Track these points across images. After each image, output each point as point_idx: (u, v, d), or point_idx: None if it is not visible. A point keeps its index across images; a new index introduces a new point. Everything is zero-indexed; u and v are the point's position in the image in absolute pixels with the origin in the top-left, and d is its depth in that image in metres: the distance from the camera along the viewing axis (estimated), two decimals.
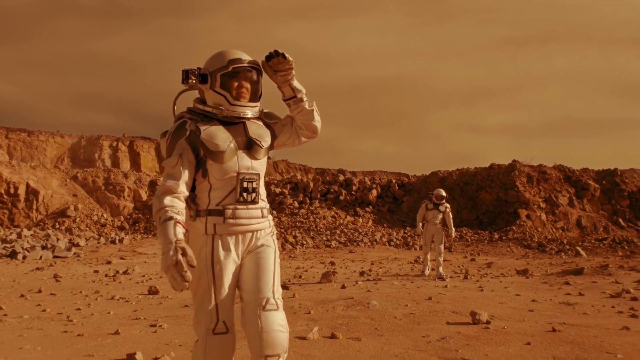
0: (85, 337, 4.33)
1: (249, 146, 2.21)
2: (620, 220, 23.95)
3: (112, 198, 25.81)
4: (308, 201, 26.04)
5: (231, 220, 2.16)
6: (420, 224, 9.82)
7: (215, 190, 2.18)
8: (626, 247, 20.43)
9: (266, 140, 2.28)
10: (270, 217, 2.33)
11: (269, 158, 2.36)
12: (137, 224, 24.33)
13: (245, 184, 2.18)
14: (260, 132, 2.28)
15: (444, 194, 9.79)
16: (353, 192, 26.26)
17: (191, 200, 2.19)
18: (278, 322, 2.07)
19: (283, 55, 2.16)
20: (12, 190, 25.46)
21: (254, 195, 2.20)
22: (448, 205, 9.79)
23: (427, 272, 9.66)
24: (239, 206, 2.18)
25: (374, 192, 25.91)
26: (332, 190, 26.46)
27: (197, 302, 2.17)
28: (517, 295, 6.31)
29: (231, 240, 2.17)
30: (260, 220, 2.23)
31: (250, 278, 2.16)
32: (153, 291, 7.38)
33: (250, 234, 2.21)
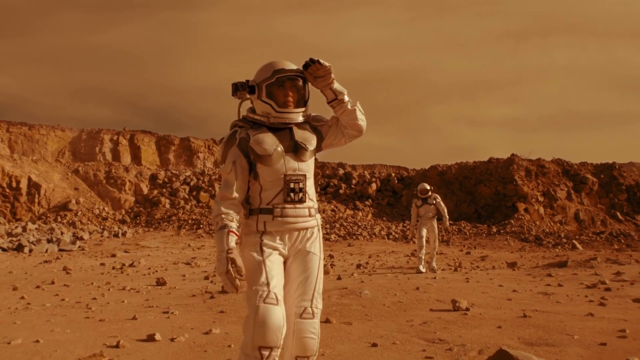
0: (107, 322, 4.93)
1: (295, 149, 2.40)
2: (618, 213, 24.52)
3: (113, 192, 26.39)
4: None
5: (279, 219, 2.35)
6: (414, 225, 9.72)
7: (266, 191, 2.39)
8: (622, 241, 21.00)
9: (312, 143, 2.45)
10: (318, 215, 2.50)
11: (315, 159, 2.54)
12: (138, 218, 24.93)
13: (292, 185, 2.37)
14: (305, 136, 2.45)
15: (427, 187, 9.85)
16: (353, 186, 26.84)
17: (245, 200, 2.42)
18: (310, 330, 2.30)
19: (319, 62, 2.32)
20: (14, 184, 26.03)
21: (300, 195, 2.38)
22: (437, 195, 9.83)
23: (422, 269, 9.36)
24: (286, 205, 2.37)
25: (374, 185, 26.49)
26: (331, 184, 27.04)
27: (248, 283, 2.30)
28: (500, 286, 6.91)
29: (279, 236, 2.37)
30: (307, 219, 2.42)
31: (293, 283, 2.37)
32: (161, 282, 7.98)
33: (297, 233, 2.40)
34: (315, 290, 2.37)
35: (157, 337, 4.10)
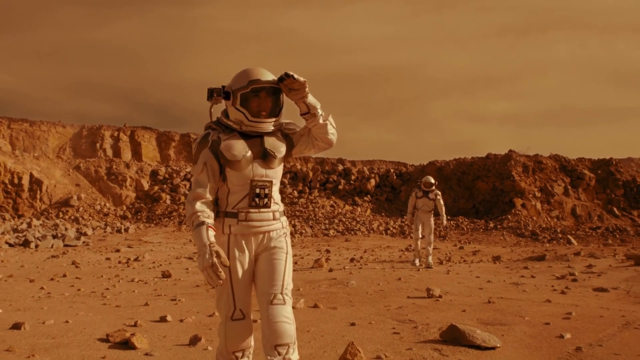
0: (122, 308, 5.75)
1: (264, 156, 2.52)
2: (615, 209, 25.27)
3: (115, 188, 27.22)
4: (307, 190, 27.45)
5: (244, 223, 2.51)
6: (411, 214, 10.02)
7: (233, 195, 2.53)
8: (617, 236, 21.75)
9: (281, 151, 2.58)
10: (283, 218, 2.65)
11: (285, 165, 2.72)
12: (139, 213, 25.81)
13: (257, 190, 2.50)
14: (275, 144, 2.57)
15: (432, 181, 9.90)
16: (352, 182, 27.65)
17: (214, 202, 2.56)
18: (283, 314, 2.44)
19: (293, 76, 2.42)
20: (15, 180, 26.91)
21: (265, 200, 2.53)
22: (439, 192, 9.95)
23: (417, 262, 9.65)
24: (251, 210, 2.51)
25: (373, 181, 27.27)
26: (331, 179, 27.85)
27: (217, 293, 2.54)
28: (477, 277, 7.72)
29: (245, 240, 2.53)
30: (271, 223, 2.56)
31: (262, 277, 2.52)
32: (167, 275, 8.79)
33: (262, 235, 2.56)
34: (285, 279, 2.52)
35: (169, 318, 4.92)
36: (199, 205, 2.45)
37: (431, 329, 4.46)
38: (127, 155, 35.54)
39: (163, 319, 4.92)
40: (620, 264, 8.73)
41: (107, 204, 26.40)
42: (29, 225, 19.21)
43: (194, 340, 4.02)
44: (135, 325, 4.66)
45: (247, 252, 2.53)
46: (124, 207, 26.46)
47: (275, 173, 2.58)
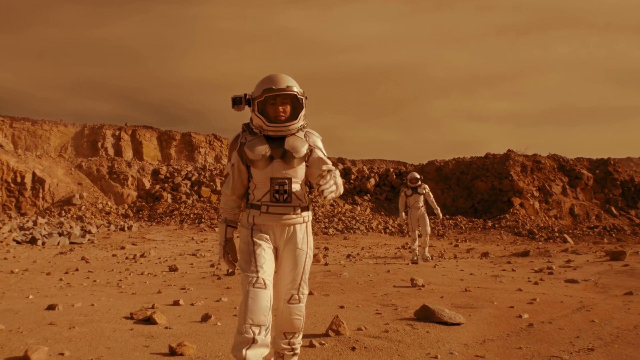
0: (138, 295, 6.58)
1: (284, 156, 2.80)
2: (613, 208, 26.05)
3: (116, 186, 28.06)
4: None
5: (265, 214, 2.83)
6: (404, 213, 10.31)
7: (258, 190, 2.87)
8: (614, 235, 22.52)
9: (300, 152, 2.82)
10: (305, 213, 2.91)
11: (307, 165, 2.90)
12: (140, 212, 26.67)
13: (277, 187, 2.81)
14: (296, 145, 2.82)
15: (417, 176, 10.25)
16: (352, 181, 28.47)
17: (245, 195, 2.97)
18: (296, 312, 2.88)
19: (326, 177, 2.68)
20: (18, 179, 27.81)
21: (285, 196, 2.82)
22: (426, 186, 10.24)
23: (425, 256, 9.87)
24: (272, 204, 2.83)
25: (372, 181, 28.09)
26: None
27: (241, 269, 2.79)
28: (461, 271, 8.54)
29: (267, 229, 2.86)
30: (291, 217, 2.85)
31: (284, 275, 2.89)
32: (173, 269, 9.63)
33: (285, 227, 2.86)
34: (302, 280, 2.89)
35: (181, 302, 5.75)
36: (223, 202, 3.01)
37: (409, 311, 5.28)
38: (128, 154, 36.48)
39: (176, 303, 5.75)
40: (597, 259, 9.53)
41: (109, 203, 27.26)
42: (35, 223, 20.07)
43: (205, 318, 4.84)
44: (152, 307, 5.49)
45: (268, 239, 2.85)
46: (126, 206, 27.32)
47: (295, 172, 2.84)
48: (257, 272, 2.71)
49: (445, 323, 4.65)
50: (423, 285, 6.81)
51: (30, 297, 6.30)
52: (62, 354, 3.60)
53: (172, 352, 3.62)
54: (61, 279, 8.26)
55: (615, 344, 4.08)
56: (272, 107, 2.76)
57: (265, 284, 2.69)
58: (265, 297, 2.66)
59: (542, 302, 5.82)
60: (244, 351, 2.58)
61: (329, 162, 2.91)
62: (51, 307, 5.31)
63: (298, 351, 3.00)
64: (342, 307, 5.53)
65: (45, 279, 8.47)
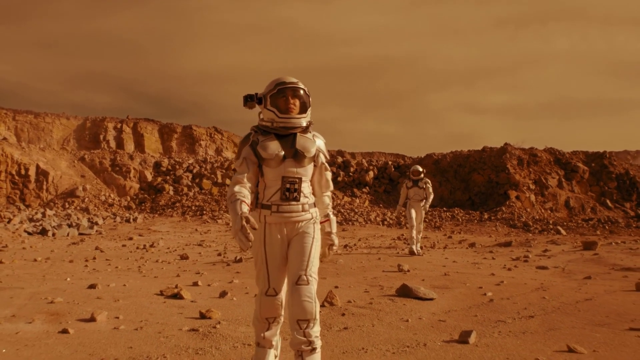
0: (160, 278, 7.76)
1: (295, 155, 2.97)
2: (608, 201, 27.21)
3: (119, 179, 29.22)
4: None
5: (276, 214, 2.96)
6: (402, 205, 10.76)
7: (268, 189, 3.00)
8: (607, 227, 23.67)
9: (310, 151, 3.01)
10: (313, 209, 3.08)
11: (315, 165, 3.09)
12: (143, 204, 27.86)
13: (287, 185, 2.94)
14: (306, 144, 3.02)
15: (420, 169, 10.59)
16: (351, 174, 29.64)
17: (255, 195, 3.04)
18: (306, 294, 2.83)
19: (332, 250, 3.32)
20: (22, 172, 29.01)
21: (295, 194, 2.97)
22: (429, 181, 10.58)
23: (417, 250, 10.13)
24: (282, 203, 2.96)
25: (371, 173, 29.25)
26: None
27: (256, 271, 3.06)
28: (446, 259, 9.71)
29: (278, 228, 2.98)
30: (301, 214, 3.00)
31: (291, 259, 2.97)
32: (184, 257, 10.79)
33: (294, 224, 3.00)
34: (309, 261, 2.92)
35: (199, 283, 6.93)
36: (237, 188, 2.90)
37: (393, 290, 6.45)
38: (129, 146, 37.68)
39: (195, 284, 6.93)
40: (572, 249, 10.70)
41: (112, 195, 28.45)
42: (43, 215, 21.25)
43: (222, 294, 6.02)
44: (176, 287, 6.66)
45: (280, 238, 3.00)
46: (128, 198, 28.52)
47: (305, 171, 3.03)
48: (269, 281, 3.01)
49: (421, 298, 5.82)
50: (408, 270, 7.98)
51: (68, 279, 7.47)
52: (117, 317, 4.78)
53: (203, 316, 4.79)
54: (86, 266, 9.42)
55: (553, 314, 5.25)
56: (283, 99, 2.99)
57: (275, 291, 3.03)
58: (276, 303, 3.04)
59: (508, 284, 6.99)
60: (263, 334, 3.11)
61: (329, 169, 3.24)
62: (92, 286, 6.49)
63: (317, 347, 2.88)
64: (336, 287, 6.70)
65: (71, 265, 9.64)
